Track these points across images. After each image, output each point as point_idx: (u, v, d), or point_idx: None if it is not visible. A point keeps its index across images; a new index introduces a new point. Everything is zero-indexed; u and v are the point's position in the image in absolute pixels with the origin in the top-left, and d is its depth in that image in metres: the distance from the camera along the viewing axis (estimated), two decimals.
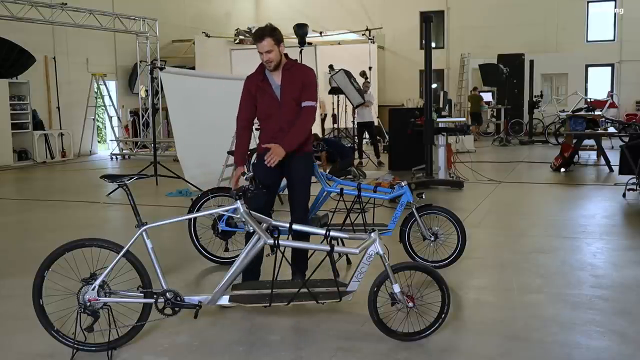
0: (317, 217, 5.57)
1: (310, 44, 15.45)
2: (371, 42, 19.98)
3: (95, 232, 6.72)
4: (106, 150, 18.24)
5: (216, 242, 5.39)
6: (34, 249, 6.06)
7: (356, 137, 14.14)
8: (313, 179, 6.19)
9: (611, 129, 13.06)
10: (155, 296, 3.59)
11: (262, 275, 4.50)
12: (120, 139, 17.73)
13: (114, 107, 17.87)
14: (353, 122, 14.78)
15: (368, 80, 14.86)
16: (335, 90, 14.17)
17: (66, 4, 15.03)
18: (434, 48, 13.96)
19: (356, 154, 13.34)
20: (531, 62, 20.46)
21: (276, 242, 3.62)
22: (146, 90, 17.19)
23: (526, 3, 22.53)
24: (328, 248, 3.64)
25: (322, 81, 17.07)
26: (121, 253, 3.52)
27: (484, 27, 22.92)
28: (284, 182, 4.59)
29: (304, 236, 4.29)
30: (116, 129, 17.92)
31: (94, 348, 3.53)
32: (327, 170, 9.80)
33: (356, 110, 13.57)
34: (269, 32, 4.15)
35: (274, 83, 4.29)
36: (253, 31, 4.26)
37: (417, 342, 3.62)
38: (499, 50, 21.36)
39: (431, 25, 10.13)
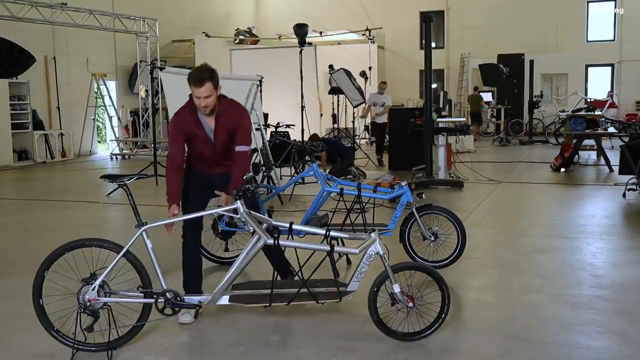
0: (317, 217, 5.58)
1: (310, 44, 15.45)
2: (371, 42, 19.97)
3: (95, 232, 6.72)
4: (106, 150, 18.23)
5: (216, 242, 5.40)
6: (34, 249, 6.06)
7: (361, 138, 14.09)
8: (313, 178, 6.21)
9: (611, 129, 13.06)
10: (155, 296, 3.59)
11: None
12: (120, 139, 17.73)
13: (114, 107, 17.86)
14: (353, 122, 14.77)
15: (384, 82, 14.72)
16: (335, 90, 14.17)
17: (66, 4, 15.03)
18: (434, 48, 13.96)
19: (358, 154, 13.28)
20: (531, 62, 20.44)
21: (276, 242, 3.62)
22: (146, 90, 17.18)
23: (526, 3, 22.52)
24: (328, 248, 3.64)
25: (322, 81, 17.07)
26: (121, 253, 3.52)
27: (484, 27, 22.91)
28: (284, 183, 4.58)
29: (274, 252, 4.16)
30: (116, 129, 17.92)
31: (94, 348, 3.53)
32: (327, 170, 9.80)
33: (373, 112, 13.62)
34: (209, 76, 3.86)
35: (207, 126, 4.06)
36: (193, 74, 3.94)
37: (417, 342, 3.62)
38: (499, 50, 21.35)
39: (431, 25, 10.13)
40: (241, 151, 4.10)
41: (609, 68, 22.50)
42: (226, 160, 4.19)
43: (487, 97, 21.43)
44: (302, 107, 11.87)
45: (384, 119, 13.64)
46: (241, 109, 4.20)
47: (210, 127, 4.08)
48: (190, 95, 4.04)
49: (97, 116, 18.02)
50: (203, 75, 3.86)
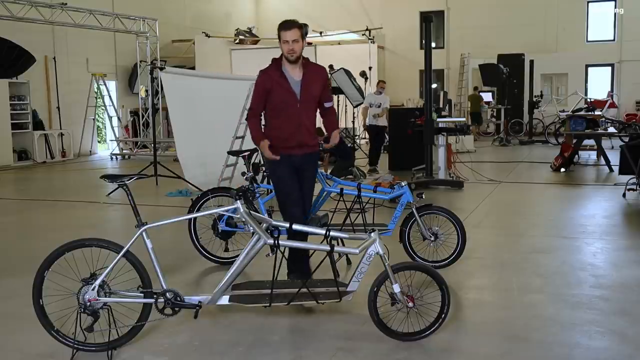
0: (317, 217, 5.58)
1: (310, 44, 15.45)
2: (371, 42, 19.96)
3: (95, 232, 6.72)
4: (106, 150, 18.24)
5: (216, 242, 5.40)
6: (34, 249, 6.06)
7: (361, 138, 13.79)
8: None
9: (611, 129, 13.05)
10: (155, 296, 3.59)
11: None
12: (120, 139, 17.73)
13: (114, 107, 17.86)
14: (353, 122, 14.74)
15: (383, 81, 13.72)
16: (335, 90, 14.14)
17: (66, 4, 15.03)
18: (434, 48, 13.91)
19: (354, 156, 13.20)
20: (531, 62, 20.43)
21: (276, 242, 3.62)
22: (146, 90, 17.18)
23: (526, 3, 22.52)
24: (328, 248, 3.64)
25: None
26: (121, 253, 3.51)
27: (484, 27, 22.91)
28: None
29: (303, 235, 4.26)
30: (116, 129, 17.91)
31: (94, 348, 3.53)
32: (329, 171, 9.79)
33: (371, 113, 12.91)
34: (298, 25, 4.25)
35: (291, 79, 4.31)
36: (282, 22, 4.33)
37: (417, 342, 3.62)
38: (499, 50, 21.34)
39: (431, 25, 10.13)
40: (330, 106, 4.55)
41: (609, 68, 22.49)
42: (307, 130, 4.38)
43: (487, 97, 21.43)
44: None
45: (383, 121, 12.78)
46: (323, 67, 4.60)
47: (295, 79, 4.30)
48: (273, 60, 4.37)
49: (97, 116, 18.02)
50: (293, 21, 4.26)
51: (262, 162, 8.68)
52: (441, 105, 13.86)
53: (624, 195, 8.54)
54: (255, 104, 4.43)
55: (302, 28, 4.26)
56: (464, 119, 15.79)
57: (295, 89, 4.30)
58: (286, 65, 4.31)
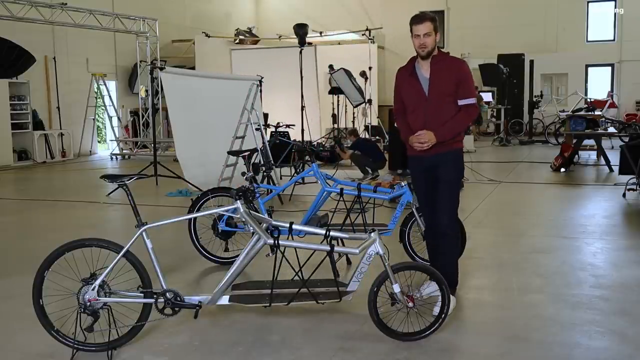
0: (317, 217, 5.58)
1: (310, 44, 15.43)
2: (371, 42, 19.95)
3: (95, 232, 6.72)
4: (106, 150, 18.23)
5: (216, 242, 5.40)
6: (34, 249, 6.06)
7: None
8: (313, 178, 6.19)
9: (611, 129, 13.05)
10: (155, 296, 3.59)
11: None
12: (120, 139, 17.73)
13: (114, 107, 17.86)
14: (353, 122, 14.75)
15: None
16: (335, 90, 14.17)
17: (66, 4, 15.03)
18: None
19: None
20: (531, 62, 20.43)
21: (276, 242, 3.62)
22: (146, 90, 17.18)
23: (526, 3, 22.51)
24: (328, 248, 3.64)
25: (322, 81, 17.06)
26: (121, 253, 3.52)
27: (484, 27, 22.89)
28: (287, 182, 4.59)
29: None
30: (116, 129, 17.91)
31: (94, 348, 3.53)
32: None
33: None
34: (430, 18, 4.00)
35: (421, 76, 4.09)
36: (414, 15, 4.04)
37: (417, 342, 3.62)
38: (499, 50, 21.33)
39: None
40: (466, 104, 4.07)
41: (609, 68, 22.49)
42: (437, 128, 4.01)
43: (487, 97, 21.42)
44: (302, 107, 11.88)
45: None
46: (461, 60, 4.19)
47: (424, 76, 4.07)
48: (412, 57, 4.13)
49: (97, 116, 18.01)
50: (425, 14, 4.00)
51: (262, 162, 8.75)
52: None
53: (624, 195, 8.54)
54: (395, 102, 4.31)
55: (435, 20, 4.00)
56: None
57: (424, 86, 4.06)
58: (419, 61, 4.10)
